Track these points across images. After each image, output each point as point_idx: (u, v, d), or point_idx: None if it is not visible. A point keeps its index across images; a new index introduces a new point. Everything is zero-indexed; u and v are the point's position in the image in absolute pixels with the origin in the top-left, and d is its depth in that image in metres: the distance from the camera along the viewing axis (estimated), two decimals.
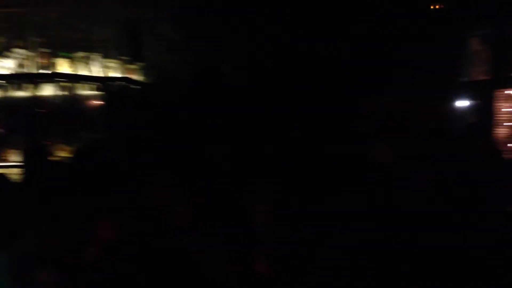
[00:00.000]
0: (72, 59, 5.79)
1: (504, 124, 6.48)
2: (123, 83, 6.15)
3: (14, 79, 5.62)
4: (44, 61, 5.61)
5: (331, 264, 2.21)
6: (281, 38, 6.58)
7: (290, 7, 6.58)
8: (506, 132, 6.45)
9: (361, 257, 2.20)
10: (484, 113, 6.70)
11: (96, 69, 5.93)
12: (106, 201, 2.52)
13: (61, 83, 5.86)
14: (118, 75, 6.10)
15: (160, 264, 2.17)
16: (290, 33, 6.62)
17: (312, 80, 6.64)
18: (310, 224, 2.30)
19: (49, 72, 5.63)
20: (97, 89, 6.03)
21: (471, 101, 7.06)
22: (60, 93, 5.93)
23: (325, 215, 2.36)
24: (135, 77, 6.33)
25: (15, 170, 5.12)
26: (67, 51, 5.81)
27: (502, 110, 6.49)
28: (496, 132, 6.57)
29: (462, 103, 7.20)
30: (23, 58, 5.59)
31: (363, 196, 2.68)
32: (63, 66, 5.73)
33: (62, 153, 5.59)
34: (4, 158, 5.51)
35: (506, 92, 6.36)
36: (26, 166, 3.74)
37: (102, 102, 6.06)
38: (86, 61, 5.87)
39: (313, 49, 6.73)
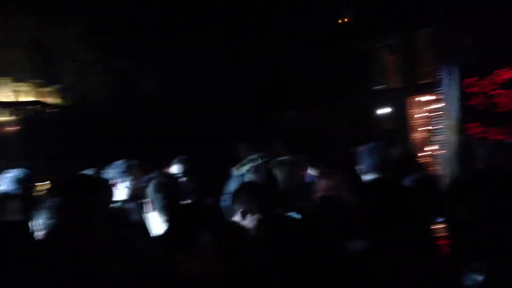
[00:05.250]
0: None
1: (418, 129, 6.81)
2: (38, 106, 5.89)
3: None
4: None
5: None
6: (198, 55, 6.55)
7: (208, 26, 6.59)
8: (421, 136, 6.78)
9: None
10: (400, 119, 7.03)
11: (7, 94, 5.64)
12: None
13: None
14: (31, 99, 5.83)
15: None
16: (208, 49, 6.60)
17: (228, 96, 6.68)
18: None
19: None
20: (10, 115, 5.73)
21: (388, 109, 7.38)
22: None
23: None
24: (50, 100, 6.07)
25: None
26: None
27: (415, 116, 6.82)
28: (412, 137, 6.90)
29: (379, 111, 7.52)
30: None
31: None
32: None
33: None
34: None
35: (417, 99, 6.69)
36: None
37: (16, 128, 5.76)
38: None
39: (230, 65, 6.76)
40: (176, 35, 6.37)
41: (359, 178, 4.36)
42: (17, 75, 5.82)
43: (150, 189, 3.02)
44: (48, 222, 2.61)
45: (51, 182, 4.74)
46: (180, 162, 4.26)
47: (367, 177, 4.12)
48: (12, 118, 5.74)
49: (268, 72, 6.84)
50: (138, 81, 6.55)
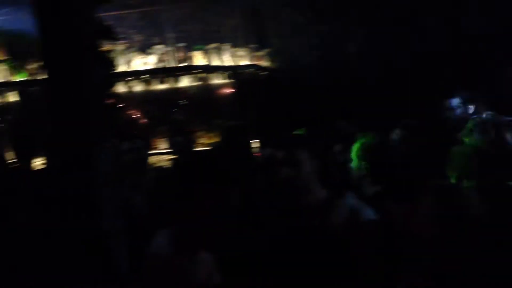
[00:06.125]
0: (205, 51, 6.14)
1: None
2: (253, 70, 6.40)
3: (156, 74, 6.11)
4: (181, 55, 6.02)
5: None
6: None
7: None
8: None
9: None
10: None
11: (227, 59, 6.23)
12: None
13: (197, 75, 6.27)
14: (247, 62, 6.35)
15: (301, 244, 2.22)
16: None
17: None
18: None
19: (186, 65, 6.02)
20: (229, 78, 6.34)
21: None
22: (196, 84, 6.36)
23: None
24: (263, 63, 6.54)
25: (165, 157, 5.69)
26: (201, 43, 6.18)
27: None
28: None
29: None
30: (162, 54, 6.05)
31: None
32: (198, 58, 6.10)
33: (203, 140, 6.03)
34: (155, 146, 6.06)
35: None
36: None
37: (234, 90, 6.36)
38: (218, 51, 6.19)
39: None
40: None
41: None
42: (235, 41, 6.39)
43: None
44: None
45: (261, 141, 5.19)
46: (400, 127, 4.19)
47: None
48: (231, 80, 6.36)
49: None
50: (346, 43, 6.59)
